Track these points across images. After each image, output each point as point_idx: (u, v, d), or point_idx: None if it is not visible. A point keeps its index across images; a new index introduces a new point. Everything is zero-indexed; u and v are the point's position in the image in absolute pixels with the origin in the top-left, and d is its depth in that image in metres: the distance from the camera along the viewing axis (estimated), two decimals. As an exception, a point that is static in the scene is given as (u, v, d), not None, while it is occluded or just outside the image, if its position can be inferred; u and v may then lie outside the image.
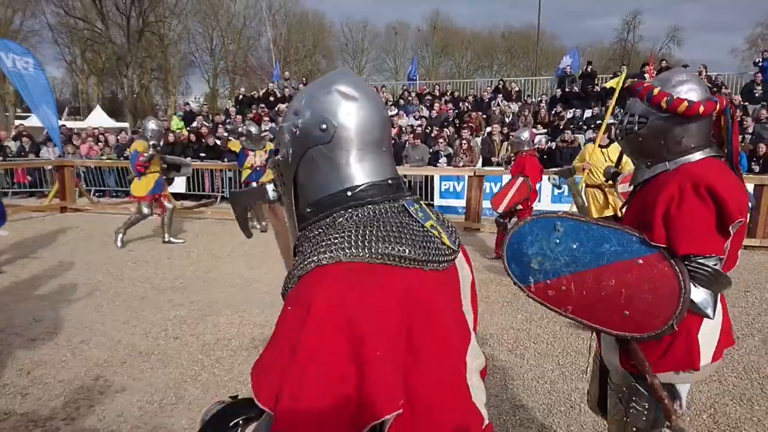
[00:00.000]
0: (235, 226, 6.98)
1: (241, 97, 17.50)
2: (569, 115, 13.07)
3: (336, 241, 0.83)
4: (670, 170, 1.66)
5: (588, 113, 13.22)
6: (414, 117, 14.05)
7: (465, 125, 12.10)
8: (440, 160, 10.82)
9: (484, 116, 13.48)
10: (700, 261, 1.54)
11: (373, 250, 0.81)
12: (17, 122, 21.64)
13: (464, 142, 10.81)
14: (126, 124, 24.67)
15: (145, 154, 6.73)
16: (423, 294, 0.85)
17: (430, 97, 15.37)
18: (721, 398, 3.06)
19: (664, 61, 14.63)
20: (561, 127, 12.01)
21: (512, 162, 6.97)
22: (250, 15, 38.32)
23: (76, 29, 33.74)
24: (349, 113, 0.91)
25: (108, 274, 5.61)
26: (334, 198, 0.90)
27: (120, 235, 7.02)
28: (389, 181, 0.93)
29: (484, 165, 10.72)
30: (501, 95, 14.84)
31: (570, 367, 3.43)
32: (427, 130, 12.53)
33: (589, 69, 14.97)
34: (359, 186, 0.90)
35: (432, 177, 10.38)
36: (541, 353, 3.66)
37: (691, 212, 1.53)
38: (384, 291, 0.80)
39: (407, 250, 0.84)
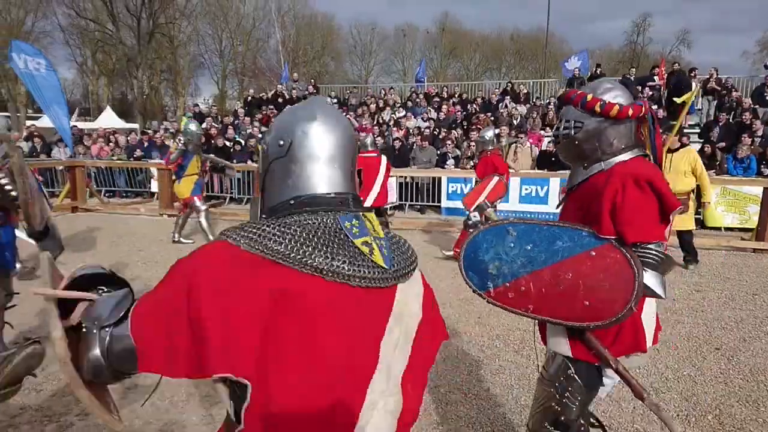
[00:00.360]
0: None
1: (249, 98, 17.60)
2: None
3: (250, 231, 0.93)
4: (605, 170, 1.78)
5: (596, 116, 13.19)
6: (422, 119, 14.09)
7: (473, 127, 12.12)
8: (448, 162, 10.85)
9: (492, 118, 13.49)
10: (648, 247, 1.67)
11: (267, 248, 0.90)
12: (28, 123, 21.92)
13: (472, 144, 10.83)
14: (136, 125, 24.88)
15: (174, 152, 7.00)
16: (312, 300, 0.89)
17: (438, 99, 15.41)
18: (727, 399, 3.07)
19: (676, 64, 14.53)
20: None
21: (476, 161, 6.99)
22: (260, 17, 38.56)
23: (87, 30, 34.07)
24: (304, 132, 1.02)
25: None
26: (283, 205, 1.01)
27: (176, 235, 7.39)
28: (332, 195, 1.01)
29: (491, 167, 10.75)
30: (509, 97, 14.84)
31: (575, 368, 3.45)
32: (435, 132, 12.56)
33: (598, 71, 14.94)
34: (302, 196, 1.00)
35: (440, 179, 10.41)
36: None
37: (635, 204, 1.65)
38: (256, 279, 0.88)
39: (317, 259, 0.90)
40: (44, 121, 19.34)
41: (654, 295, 1.67)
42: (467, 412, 2.92)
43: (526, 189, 9.77)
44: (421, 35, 42.39)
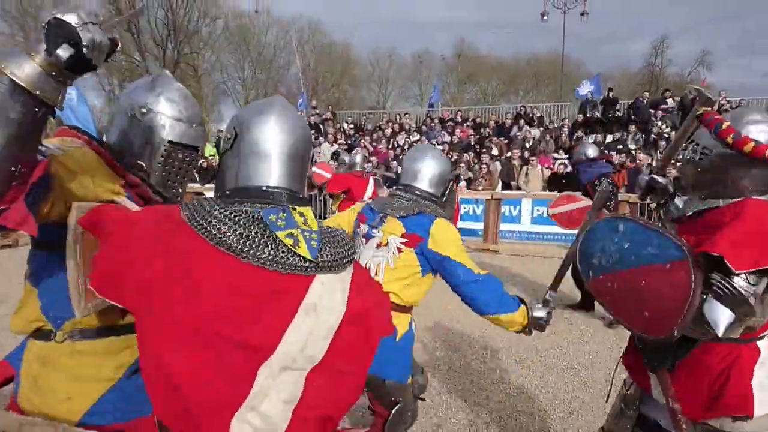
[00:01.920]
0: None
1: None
2: (591, 140, 13.18)
3: (194, 205, 1.05)
4: (721, 207, 1.64)
5: (609, 138, 13.32)
6: (436, 142, 14.37)
7: (485, 150, 12.35)
8: (460, 184, 11.05)
9: (506, 141, 13.71)
10: (732, 279, 1.47)
11: (196, 221, 1.00)
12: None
13: (484, 166, 11.04)
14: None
15: None
16: (210, 271, 0.96)
17: (451, 123, 15.70)
18: None
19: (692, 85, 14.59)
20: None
21: None
22: (280, 46, 39.73)
23: (114, 60, 35.43)
24: (248, 127, 1.10)
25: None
26: (222, 195, 1.10)
27: None
28: (264, 188, 1.08)
29: (503, 189, 10.91)
30: (522, 120, 15.07)
31: (573, 379, 3.57)
32: (448, 155, 12.81)
33: (610, 95, 15.10)
34: (236, 189, 1.09)
35: (452, 200, 10.60)
36: (546, 366, 3.82)
37: (745, 225, 1.53)
38: (173, 236, 1.00)
39: (231, 238, 0.97)
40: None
41: (710, 330, 1.50)
42: (466, 416, 3.07)
43: (538, 210, 9.89)
44: (437, 61, 43.15)
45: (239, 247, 0.97)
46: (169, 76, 1.60)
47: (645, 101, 14.12)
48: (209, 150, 16.35)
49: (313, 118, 17.43)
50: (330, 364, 1.03)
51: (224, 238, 0.97)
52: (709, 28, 42.71)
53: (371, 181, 6.97)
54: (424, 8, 55.04)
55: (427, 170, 2.20)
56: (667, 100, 14.14)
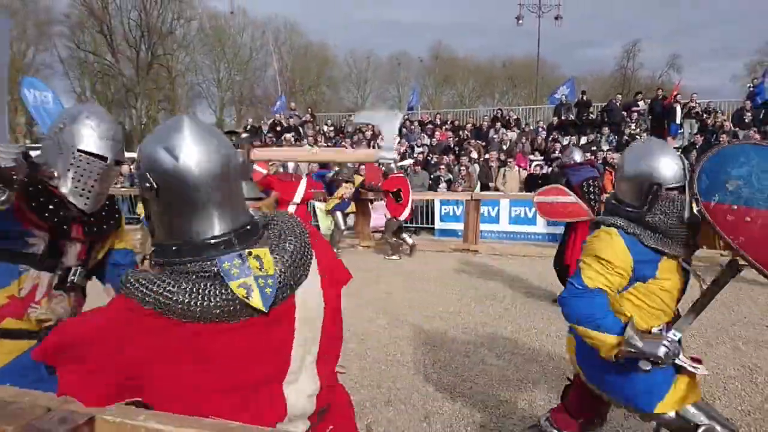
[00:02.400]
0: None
1: (249, 126, 18.10)
2: (565, 141, 13.54)
3: (147, 286, 0.96)
4: None
5: (583, 140, 13.70)
6: (416, 145, 14.57)
7: (464, 152, 12.60)
8: (440, 186, 11.26)
9: (483, 144, 13.99)
10: None
11: (163, 304, 0.95)
12: (33, 153, 22.27)
13: (463, 168, 11.28)
14: (134, 154, 25.19)
15: None
16: (204, 339, 0.97)
17: (431, 126, 15.93)
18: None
19: (660, 90, 15.07)
20: (557, 153, 12.47)
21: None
22: (257, 47, 39.53)
23: (86, 62, 34.83)
24: (167, 174, 0.98)
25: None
26: (168, 250, 1.02)
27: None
28: (211, 240, 1.00)
29: (481, 190, 11.16)
30: (499, 123, 15.38)
31: (553, 370, 3.77)
32: (428, 158, 13.02)
33: (584, 98, 15.52)
34: (182, 244, 1.01)
35: (432, 201, 10.80)
36: (527, 359, 4.00)
37: None
38: (140, 331, 0.96)
39: (211, 312, 0.96)
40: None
41: None
42: (452, 406, 3.23)
43: (515, 210, 10.16)
44: (415, 63, 43.50)
45: (211, 316, 0.96)
46: (95, 104, 1.90)
47: (618, 103, 14.55)
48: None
49: (291, 120, 17.48)
50: (325, 351, 1.17)
51: (197, 314, 0.95)
52: (681, 34, 43.93)
53: (303, 182, 7.34)
54: (402, 9, 55.46)
55: None
56: (639, 102, 14.60)
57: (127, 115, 36.65)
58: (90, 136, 1.73)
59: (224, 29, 38.83)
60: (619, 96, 16.63)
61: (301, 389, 1.10)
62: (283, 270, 1.04)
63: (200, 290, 0.96)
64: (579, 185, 5.23)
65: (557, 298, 2.10)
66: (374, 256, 8.70)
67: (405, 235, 8.60)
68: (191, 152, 0.99)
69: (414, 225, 11.19)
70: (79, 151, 1.71)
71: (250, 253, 1.02)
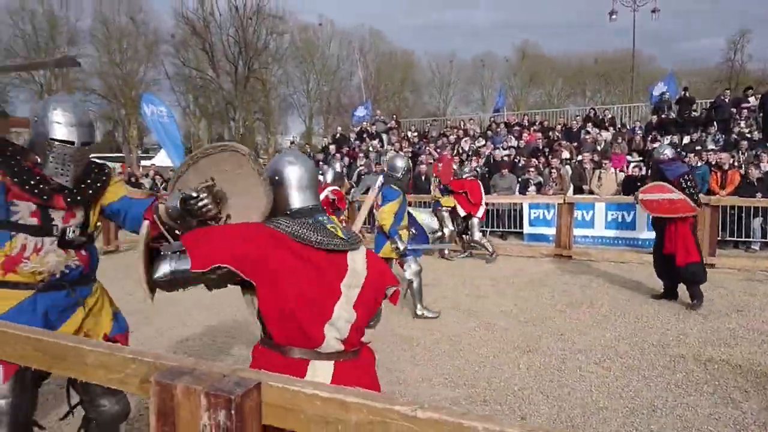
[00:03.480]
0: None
1: (338, 135, 18.74)
2: (666, 142, 12.74)
3: (279, 222, 1.67)
4: None
5: (686, 139, 12.82)
6: (502, 147, 14.35)
7: (554, 154, 12.24)
8: (529, 189, 11.03)
9: (575, 145, 13.50)
10: None
11: (285, 230, 1.64)
12: (146, 162, 24.68)
13: (554, 170, 10.95)
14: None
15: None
16: (303, 255, 1.62)
17: (518, 127, 15.63)
18: None
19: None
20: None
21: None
22: (343, 57, 40.82)
23: (190, 78, 37.75)
24: (284, 173, 1.77)
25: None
26: (288, 215, 1.73)
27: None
28: (309, 206, 1.76)
29: (575, 193, 10.78)
30: (591, 123, 14.77)
31: (656, 379, 3.63)
32: (515, 160, 12.79)
33: (686, 94, 14.52)
34: (293, 209, 1.74)
35: (521, 205, 10.61)
36: (627, 367, 3.88)
37: None
38: (274, 239, 1.62)
39: (310, 236, 1.64)
40: (158, 160, 21.78)
41: None
42: (549, 411, 3.22)
43: (612, 214, 9.71)
44: (500, 63, 42.74)
45: (314, 239, 1.64)
46: (62, 94, 2.24)
47: (726, 99, 13.45)
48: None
49: (374, 127, 17.86)
50: (362, 301, 1.69)
51: (303, 237, 1.64)
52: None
53: (327, 190, 7.71)
54: (485, 11, 54.72)
55: None
56: (749, 98, 13.41)
57: (227, 127, 39.31)
58: (59, 126, 2.10)
59: (313, 41, 40.52)
60: (728, 91, 15.37)
61: (341, 313, 1.64)
62: (342, 234, 1.73)
63: (310, 229, 1.67)
64: (677, 180, 5.40)
65: None
66: (459, 260, 8.71)
67: (478, 238, 8.59)
68: (296, 160, 1.82)
69: (501, 229, 11.05)
70: (51, 139, 2.09)
71: (328, 216, 1.80)
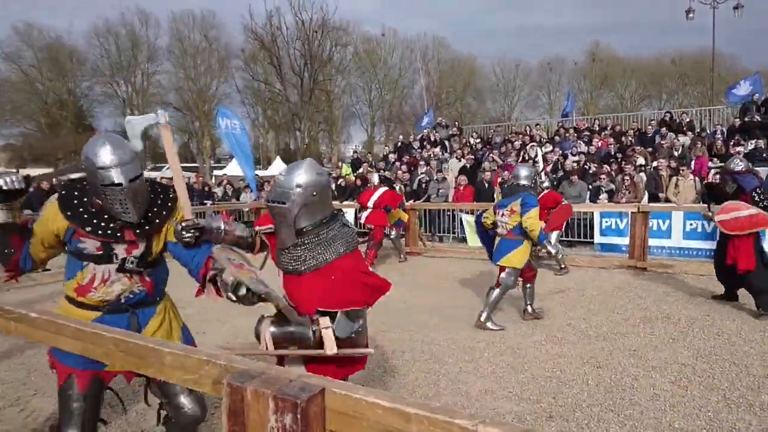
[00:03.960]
0: (394, 257, 7.77)
1: (399, 143, 18.86)
2: (750, 146, 11.86)
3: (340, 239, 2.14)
4: None
5: (774, 144, 11.87)
6: (571, 153, 13.88)
7: (627, 160, 11.70)
8: (601, 196, 10.59)
9: (650, 150, 12.84)
10: None
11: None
12: (218, 172, 25.93)
13: (627, 177, 10.46)
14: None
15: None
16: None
17: (588, 132, 15.07)
18: None
19: None
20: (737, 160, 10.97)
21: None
22: (405, 66, 41.11)
23: (259, 91, 39.34)
24: (321, 187, 2.12)
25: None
26: (327, 220, 2.15)
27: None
28: (336, 210, 2.18)
29: (650, 201, 10.23)
30: (665, 128, 13.99)
31: (737, 400, 3.38)
32: (585, 166, 12.34)
33: (774, 94, 13.46)
34: (330, 214, 2.16)
35: (591, 214, 10.21)
36: (706, 386, 3.63)
37: None
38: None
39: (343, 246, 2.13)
40: (230, 170, 22.79)
41: None
42: (619, 430, 3.08)
43: (691, 224, 9.14)
44: (568, 67, 41.46)
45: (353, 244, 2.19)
46: (102, 134, 2.30)
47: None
48: (345, 170, 17.53)
49: (438, 134, 17.77)
50: None
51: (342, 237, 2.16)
52: None
53: (379, 191, 8.28)
54: (550, 14, 53.36)
55: None
56: None
57: (292, 137, 40.61)
58: (103, 171, 2.13)
59: (376, 51, 41.11)
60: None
61: None
62: None
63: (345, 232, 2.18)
64: (749, 193, 5.46)
65: None
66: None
67: (553, 252, 8.09)
68: (324, 173, 2.23)
69: (569, 238, 10.68)
70: (102, 185, 2.14)
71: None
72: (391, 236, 9.48)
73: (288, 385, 1.08)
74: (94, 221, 2.19)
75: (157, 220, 2.32)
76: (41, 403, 3.53)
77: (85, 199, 2.22)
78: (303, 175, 2.06)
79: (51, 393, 3.65)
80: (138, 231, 2.25)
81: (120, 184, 2.14)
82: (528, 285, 5.60)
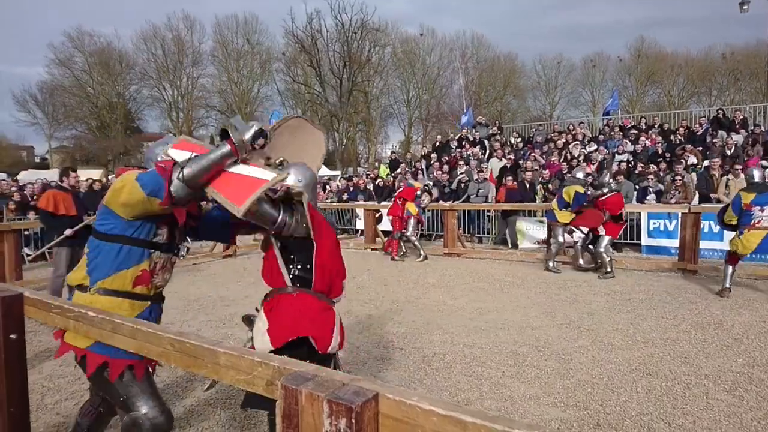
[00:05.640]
0: (437, 260, 7.74)
1: (437, 143, 18.74)
2: (812, 144, 11.22)
3: None
4: None
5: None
6: (617, 152, 13.47)
7: (676, 159, 11.27)
8: (648, 197, 10.25)
9: (700, 149, 12.32)
10: None
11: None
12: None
13: (677, 177, 10.07)
14: (337, 172, 28.17)
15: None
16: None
17: (634, 131, 14.59)
18: None
19: None
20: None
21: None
22: (444, 65, 40.88)
23: (299, 93, 39.91)
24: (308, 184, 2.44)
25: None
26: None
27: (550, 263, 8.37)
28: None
29: (701, 202, 9.81)
30: (719, 125, 13.39)
31: (802, 413, 3.19)
32: (631, 166, 11.96)
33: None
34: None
35: (639, 214, 9.89)
36: (764, 396, 3.46)
37: None
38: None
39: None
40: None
41: None
42: (671, 440, 2.96)
43: (744, 226, 8.72)
44: (612, 64, 40.27)
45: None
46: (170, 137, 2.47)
47: None
48: (383, 171, 17.58)
49: (478, 134, 17.54)
50: None
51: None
52: None
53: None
54: (595, 10, 51.96)
55: None
56: None
57: (331, 138, 41.00)
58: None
59: (414, 51, 41.03)
60: None
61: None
62: None
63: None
64: None
65: None
66: (569, 273, 8.29)
67: (605, 257, 7.90)
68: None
69: (616, 240, 10.35)
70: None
71: None
72: (407, 233, 9.72)
73: (341, 389, 1.09)
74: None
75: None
76: (96, 396, 3.68)
77: None
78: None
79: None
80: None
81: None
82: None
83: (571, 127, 16.71)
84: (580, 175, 8.36)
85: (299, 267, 2.39)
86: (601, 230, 7.79)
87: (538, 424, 3.10)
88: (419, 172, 14.47)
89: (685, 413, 3.28)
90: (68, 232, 5.99)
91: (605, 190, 7.85)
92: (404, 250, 10.11)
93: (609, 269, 7.71)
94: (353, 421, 1.02)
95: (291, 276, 2.38)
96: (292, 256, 2.41)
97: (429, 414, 0.99)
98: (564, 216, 8.07)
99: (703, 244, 8.46)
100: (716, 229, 8.93)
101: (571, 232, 8.25)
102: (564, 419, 3.26)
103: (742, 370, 3.97)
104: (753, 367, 4.03)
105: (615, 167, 11.45)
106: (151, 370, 2.33)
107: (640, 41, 39.78)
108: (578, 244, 8.31)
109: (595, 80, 40.74)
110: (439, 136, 21.23)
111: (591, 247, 8.14)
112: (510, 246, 11.25)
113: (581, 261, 8.28)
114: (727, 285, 6.38)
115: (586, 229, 8.22)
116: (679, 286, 6.96)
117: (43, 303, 2.16)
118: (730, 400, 3.45)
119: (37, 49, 60.68)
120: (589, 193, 7.94)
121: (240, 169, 2.17)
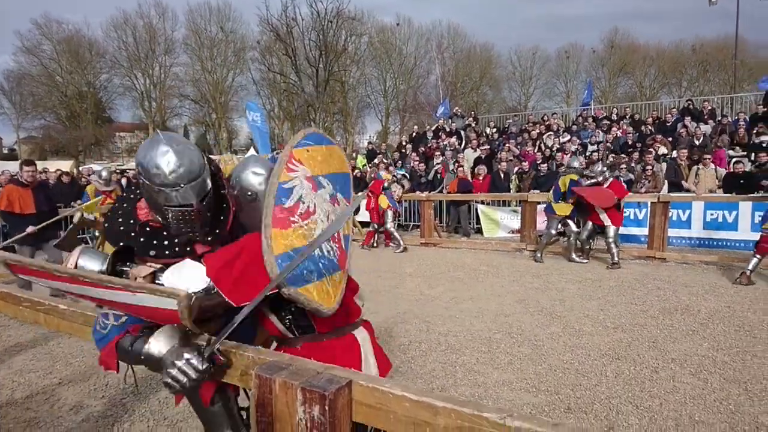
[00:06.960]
0: (414, 250, 7.78)
1: (414, 134, 18.77)
2: (775, 134, 11.57)
3: None
4: None
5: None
6: (589, 142, 13.72)
7: (646, 149, 11.52)
8: (626, 186, 10.45)
9: (670, 139, 12.63)
10: None
11: None
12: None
13: (648, 167, 10.30)
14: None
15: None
16: None
17: (606, 121, 14.86)
18: None
19: None
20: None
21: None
22: (420, 55, 40.80)
23: (275, 82, 39.40)
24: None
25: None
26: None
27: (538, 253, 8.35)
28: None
29: (670, 191, 10.08)
30: (689, 116, 13.73)
31: (760, 393, 3.34)
32: (603, 156, 12.19)
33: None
34: None
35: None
36: (727, 379, 3.60)
37: None
38: None
39: None
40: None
41: None
42: (639, 421, 3.07)
43: (711, 214, 9.02)
44: (586, 55, 40.78)
45: None
46: (159, 139, 1.73)
47: None
48: (360, 161, 17.51)
49: (454, 124, 17.63)
50: None
51: None
52: None
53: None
54: (569, 3, 52.49)
55: None
56: None
57: (307, 128, 40.61)
58: (171, 191, 1.71)
59: (390, 41, 40.82)
60: None
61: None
62: None
63: None
64: None
65: None
66: (548, 261, 8.44)
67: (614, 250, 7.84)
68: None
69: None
70: (167, 206, 1.74)
71: None
72: (386, 226, 9.92)
73: (315, 377, 1.11)
74: (154, 242, 1.83)
75: (219, 228, 1.92)
76: (66, 392, 3.62)
77: (148, 229, 1.85)
78: None
79: (75, 382, 3.76)
80: (209, 239, 1.88)
81: (190, 205, 1.74)
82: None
83: (546, 118, 16.94)
84: (575, 164, 8.38)
85: (292, 310, 1.75)
86: (606, 221, 7.74)
87: (509, 408, 3.17)
88: (392, 162, 14.50)
89: (653, 396, 3.40)
90: (30, 229, 5.83)
91: (600, 178, 7.93)
92: (375, 244, 10.27)
93: (616, 260, 7.64)
94: (327, 408, 1.04)
95: (285, 327, 1.79)
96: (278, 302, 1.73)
97: (401, 399, 1.01)
98: (562, 208, 8.05)
99: (672, 232, 8.72)
100: (685, 217, 9.21)
101: (565, 225, 8.26)
102: (536, 404, 3.34)
103: (707, 354, 4.12)
104: (717, 350, 4.19)
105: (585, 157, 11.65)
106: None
107: (614, 32, 40.36)
108: (571, 237, 8.31)
109: (569, 71, 41.20)
110: (416, 127, 21.25)
111: (590, 240, 8.29)
112: (462, 235, 11.39)
113: (573, 255, 8.21)
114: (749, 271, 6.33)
115: (586, 223, 8.19)
116: (648, 273, 7.16)
117: (13, 297, 2.12)
118: (695, 382, 3.58)
119: (3, 36, 58.49)
120: (583, 182, 8.01)
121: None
